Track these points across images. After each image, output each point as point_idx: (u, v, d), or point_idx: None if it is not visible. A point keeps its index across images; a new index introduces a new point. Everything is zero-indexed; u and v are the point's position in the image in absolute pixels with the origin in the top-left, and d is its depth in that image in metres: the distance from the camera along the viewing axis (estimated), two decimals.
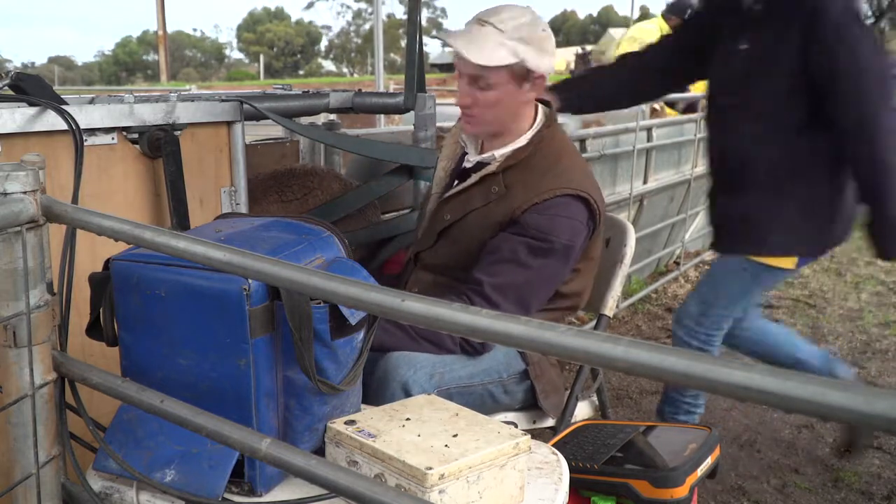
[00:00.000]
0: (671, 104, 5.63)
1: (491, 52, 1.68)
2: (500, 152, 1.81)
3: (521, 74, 1.72)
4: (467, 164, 1.90)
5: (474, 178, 1.81)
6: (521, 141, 1.80)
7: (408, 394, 1.59)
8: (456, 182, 1.90)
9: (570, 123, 4.13)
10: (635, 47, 5.46)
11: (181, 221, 1.72)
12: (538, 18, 1.74)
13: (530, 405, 1.88)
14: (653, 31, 5.68)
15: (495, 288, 1.70)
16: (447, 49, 1.95)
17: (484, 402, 1.79)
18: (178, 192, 1.73)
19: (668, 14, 5.71)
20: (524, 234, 1.71)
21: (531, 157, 1.78)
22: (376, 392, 1.64)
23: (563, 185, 1.71)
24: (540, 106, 1.85)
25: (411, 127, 2.83)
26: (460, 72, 1.76)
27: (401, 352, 1.68)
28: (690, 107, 5.64)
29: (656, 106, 5.39)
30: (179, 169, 1.73)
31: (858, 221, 1.99)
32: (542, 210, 1.70)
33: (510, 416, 1.87)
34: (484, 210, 1.78)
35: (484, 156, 1.85)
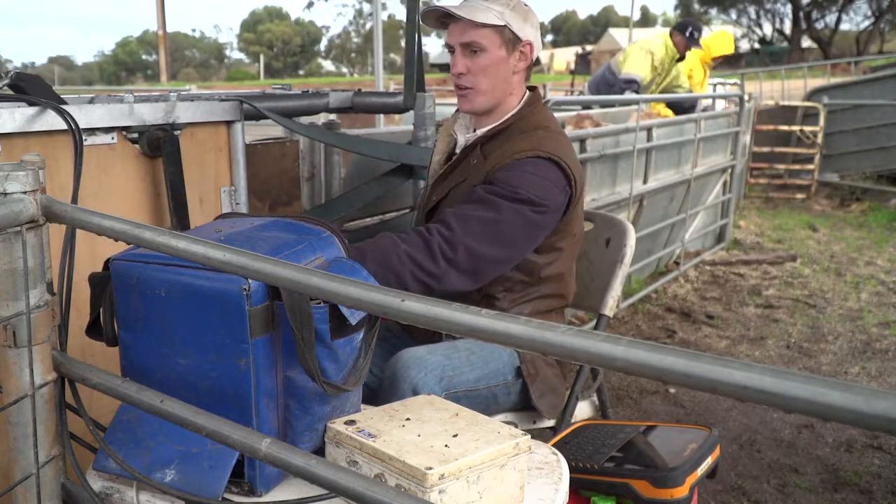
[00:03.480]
0: (669, 105, 5.62)
1: (480, 12, 1.77)
2: (482, 130, 1.86)
3: (509, 39, 1.79)
4: (457, 152, 1.94)
5: (457, 157, 1.88)
6: (504, 117, 1.85)
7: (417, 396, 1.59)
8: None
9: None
10: (647, 59, 5.46)
11: (181, 221, 1.72)
12: None
13: (527, 406, 1.86)
14: (660, 45, 5.63)
15: (458, 217, 1.70)
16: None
17: (489, 404, 1.78)
18: (178, 193, 1.73)
19: (674, 31, 5.69)
20: (493, 185, 1.73)
21: (509, 128, 1.83)
22: (387, 392, 1.64)
23: (533, 148, 1.75)
24: (528, 90, 1.90)
25: (411, 127, 2.82)
26: (453, 46, 1.82)
27: (411, 354, 1.68)
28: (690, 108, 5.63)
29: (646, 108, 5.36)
30: (179, 169, 1.73)
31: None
32: (511, 168, 1.74)
33: (510, 416, 1.86)
34: (464, 184, 1.82)
35: (468, 135, 1.90)
